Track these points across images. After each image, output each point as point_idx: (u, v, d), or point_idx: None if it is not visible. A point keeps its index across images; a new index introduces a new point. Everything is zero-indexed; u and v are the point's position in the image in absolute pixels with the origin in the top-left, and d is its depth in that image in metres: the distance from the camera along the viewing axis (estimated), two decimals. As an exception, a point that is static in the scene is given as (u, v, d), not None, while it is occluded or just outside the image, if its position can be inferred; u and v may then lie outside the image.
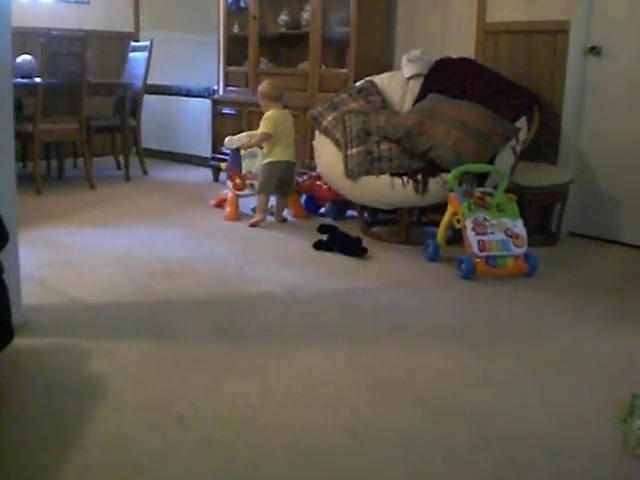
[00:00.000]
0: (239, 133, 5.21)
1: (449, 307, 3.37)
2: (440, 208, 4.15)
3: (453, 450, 2.10)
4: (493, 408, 2.36)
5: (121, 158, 6.67)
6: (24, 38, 6.18)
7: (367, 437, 2.15)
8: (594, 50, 4.52)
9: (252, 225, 4.80)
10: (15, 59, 5.71)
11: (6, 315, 2.42)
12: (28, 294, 3.05)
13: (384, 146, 4.38)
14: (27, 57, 5.99)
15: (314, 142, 4.84)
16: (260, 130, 4.94)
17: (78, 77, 5.75)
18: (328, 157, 4.64)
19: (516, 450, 2.10)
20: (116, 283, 3.53)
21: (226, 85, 6.51)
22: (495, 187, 4.00)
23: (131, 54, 6.87)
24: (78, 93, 5.79)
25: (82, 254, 4.02)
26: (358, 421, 2.25)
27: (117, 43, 7.51)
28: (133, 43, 7.05)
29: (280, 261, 4.00)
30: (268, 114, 4.93)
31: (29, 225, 4.40)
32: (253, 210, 5.06)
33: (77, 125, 5.86)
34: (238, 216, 4.97)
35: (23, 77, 5.79)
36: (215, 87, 6.73)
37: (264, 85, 5.06)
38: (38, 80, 5.64)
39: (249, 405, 2.32)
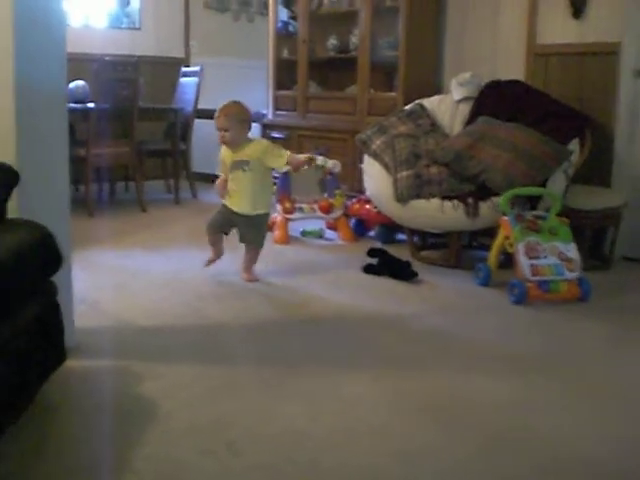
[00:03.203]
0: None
1: (500, 333, 3.32)
2: (491, 232, 4.11)
3: (505, 478, 2.05)
4: (545, 435, 2.30)
5: (171, 182, 6.74)
6: (77, 64, 6.28)
7: (417, 463, 2.12)
8: (647, 72, 4.46)
9: None
10: (68, 85, 5.81)
11: (59, 336, 2.44)
12: (80, 316, 3.07)
13: (434, 169, 4.35)
14: (80, 82, 6.10)
15: (363, 166, 4.83)
16: (288, 156, 4.07)
17: (130, 102, 5.84)
18: (377, 181, 4.62)
19: (574, 478, 2.06)
20: (166, 306, 3.55)
21: (276, 109, 6.56)
22: (547, 210, 3.94)
23: (182, 79, 6.95)
24: (130, 118, 5.88)
25: (133, 276, 4.05)
26: (408, 447, 2.21)
27: (168, 68, 7.61)
28: (184, 69, 7.14)
29: (329, 285, 3.99)
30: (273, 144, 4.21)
31: (81, 247, 4.44)
32: (302, 234, 5.05)
33: (128, 149, 5.95)
34: (287, 239, 4.97)
35: (76, 102, 5.88)
36: (265, 111, 6.77)
37: (240, 107, 4.08)
38: (91, 105, 5.74)
39: (299, 429, 2.31)
